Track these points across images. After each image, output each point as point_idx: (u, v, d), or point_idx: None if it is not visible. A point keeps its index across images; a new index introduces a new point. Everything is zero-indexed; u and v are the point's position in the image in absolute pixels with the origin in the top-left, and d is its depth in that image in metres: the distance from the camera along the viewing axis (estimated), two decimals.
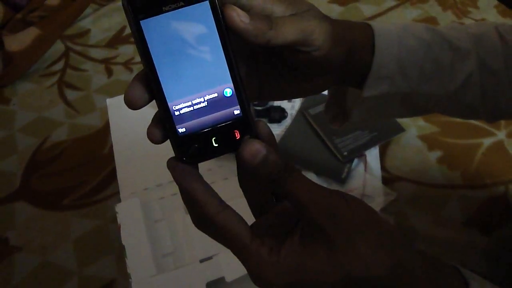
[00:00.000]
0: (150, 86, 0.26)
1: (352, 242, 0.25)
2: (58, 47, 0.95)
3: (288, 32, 0.28)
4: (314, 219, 0.25)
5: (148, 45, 0.25)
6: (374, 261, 0.25)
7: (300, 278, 0.25)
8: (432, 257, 0.28)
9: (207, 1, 0.25)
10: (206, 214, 0.26)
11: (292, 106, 0.76)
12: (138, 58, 0.91)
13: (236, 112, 0.27)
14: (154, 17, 0.25)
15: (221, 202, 0.27)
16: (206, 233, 0.28)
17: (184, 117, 0.26)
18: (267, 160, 0.26)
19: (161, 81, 0.26)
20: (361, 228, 0.25)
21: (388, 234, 0.26)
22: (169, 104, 0.26)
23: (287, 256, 0.26)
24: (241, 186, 0.30)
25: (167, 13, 0.25)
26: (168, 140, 0.27)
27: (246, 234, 0.26)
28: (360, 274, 0.24)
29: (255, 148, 0.26)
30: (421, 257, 0.27)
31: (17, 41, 0.91)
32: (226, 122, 0.27)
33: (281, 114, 0.73)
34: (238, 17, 0.26)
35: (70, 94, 0.85)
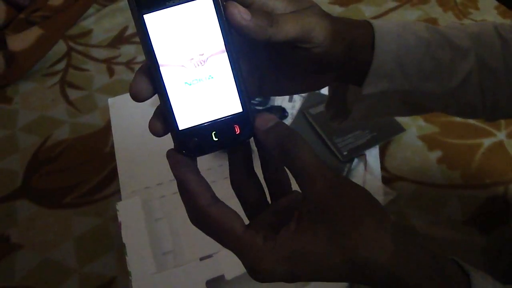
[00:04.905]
0: (152, 79, 0.26)
1: (355, 224, 0.24)
2: (61, 46, 0.95)
3: (288, 29, 0.28)
4: (320, 194, 0.25)
5: (151, 39, 0.25)
6: (378, 245, 0.24)
7: (300, 263, 0.25)
8: (431, 249, 0.28)
9: None
10: (198, 206, 0.26)
11: (292, 106, 0.76)
12: (140, 58, 0.92)
13: (237, 107, 0.27)
14: (157, 11, 0.25)
15: (214, 196, 0.27)
16: (200, 228, 0.27)
17: (185, 111, 0.26)
18: (279, 125, 0.27)
19: (162, 75, 0.26)
20: (365, 211, 0.25)
21: (390, 221, 0.26)
22: (170, 97, 0.26)
23: (284, 242, 0.25)
24: (233, 186, 0.30)
25: (170, 8, 0.25)
26: (170, 138, 0.27)
27: (239, 226, 0.26)
28: (362, 257, 0.24)
29: (268, 116, 0.27)
30: (422, 247, 0.27)
31: (20, 41, 0.92)
32: (227, 117, 0.27)
33: (281, 114, 0.74)
34: (240, 14, 0.26)
35: (72, 94, 0.86)
